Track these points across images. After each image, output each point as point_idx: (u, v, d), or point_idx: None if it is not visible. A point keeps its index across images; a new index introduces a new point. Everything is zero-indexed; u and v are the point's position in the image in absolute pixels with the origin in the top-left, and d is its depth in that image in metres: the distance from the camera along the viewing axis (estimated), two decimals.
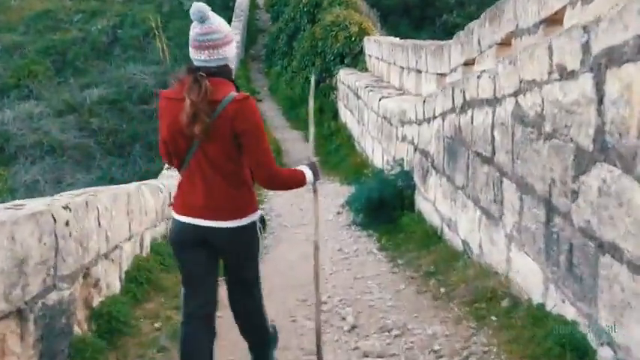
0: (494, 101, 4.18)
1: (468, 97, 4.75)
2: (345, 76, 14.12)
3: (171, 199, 2.95)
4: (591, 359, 2.88)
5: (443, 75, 8.16)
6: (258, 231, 2.90)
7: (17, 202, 3.14)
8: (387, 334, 3.97)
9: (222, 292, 3.07)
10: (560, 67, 3.14)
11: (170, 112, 2.70)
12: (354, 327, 4.16)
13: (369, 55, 14.06)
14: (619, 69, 2.52)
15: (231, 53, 2.76)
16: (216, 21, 2.72)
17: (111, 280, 4.06)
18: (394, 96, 9.90)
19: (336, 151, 12.57)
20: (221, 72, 2.73)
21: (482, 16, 6.19)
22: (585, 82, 2.86)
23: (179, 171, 2.88)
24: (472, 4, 21.56)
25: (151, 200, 5.63)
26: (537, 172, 3.49)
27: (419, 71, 9.60)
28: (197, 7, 2.66)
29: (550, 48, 3.25)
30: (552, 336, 3.09)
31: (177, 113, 2.64)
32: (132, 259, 4.70)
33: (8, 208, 2.84)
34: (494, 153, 4.21)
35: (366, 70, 14.32)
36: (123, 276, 4.42)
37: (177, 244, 2.87)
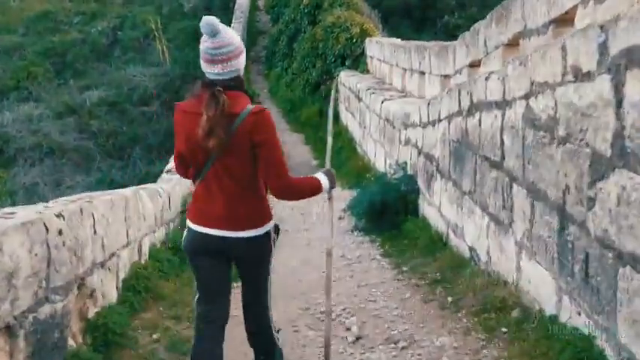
0: (503, 104, 4.04)
1: (475, 100, 4.62)
2: (346, 78, 13.99)
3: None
4: None
5: (447, 77, 8.02)
6: (272, 242, 2.95)
7: (8, 209, 3.00)
8: (393, 345, 3.84)
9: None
10: (574, 68, 3.01)
11: (187, 125, 2.77)
12: (358, 338, 4.03)
13: (371, 57, 13.92)
14: None
15: (242, 64, 2.83)
16: (227, 34, 2.76)
17: (107, 289, 3.92)
18: (397, 98, 9.76)
19: (337, 154, 12.38)
20: (236, 84, 2.79)
21: (488, 16, 6.06)
22: (602, 84, 2.73)
23: (194, 182, 2.93)
24: (473, 6, 21.48)
25: (150, 205, 5.50)
26: (550, 178, 3.35)
27: (422, 73, 9.46)
28: (207, 21, 2.70)
29: (564, 48, 3.12)
30: (568, 350, 2.96)
31: (194, 127, 2.70)
32: (129, 267, 4.56)
33: None
34: (503, 157, 4.08)
35: (368, 72, 14.19)
36: (120, 285, 4.29)
37: (193, 252, 2.92)
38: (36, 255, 2.74)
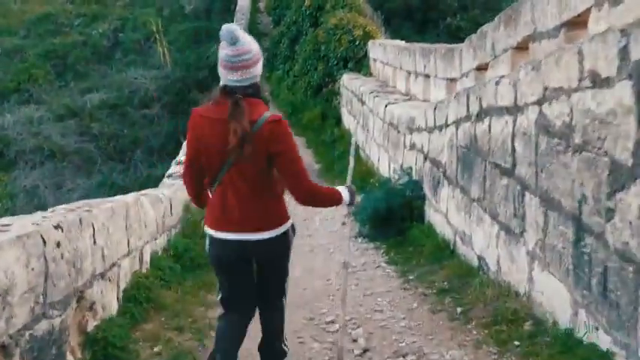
0: (514, 109, 3.93)
1: (484, 105, 4.50)
2: (348, 81, 13.85)
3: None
4: None
5: (453, 80, 7.90)
6: (290, 241, 3.01)
7: (3, 220, 2.89)
8: (401, 359, 3.71)
9: None
10: (592, 73, 2.90)
11: (206, 130, 2.79)
12: (365, 350, 3.91)
13: (374, 59, 13.78)
14: None
15: (260, 71, 2.86)
16: (247, 41, 2.80)
17: (107, 301, 3.81)
18: (401, 102, 9.63)
19: (340, 158, 12.23)
20: (254, 91, 2.83)
21: (496, 18, 5.94)
22: (623, 91, 2.62)
23: (209, 189, 2.96)
24: (476, 8, 21.37)
25: (152, 212, 5.38)
26: (565, 187, 3.24)
27: (427, 76, 9.32)
28: (227, 29, 2.74)
29: (580, 53, 3.01)
30: None
31: (216, 133, 2.75)
32: (130, 277, 4.44)
33: None
34: (514, 165, 3.96)
35: (370, 74, 14.05)
36: (121, 295, 4.17)
37: (216, 258, 2.98)
38: (32, 269, 2.62)
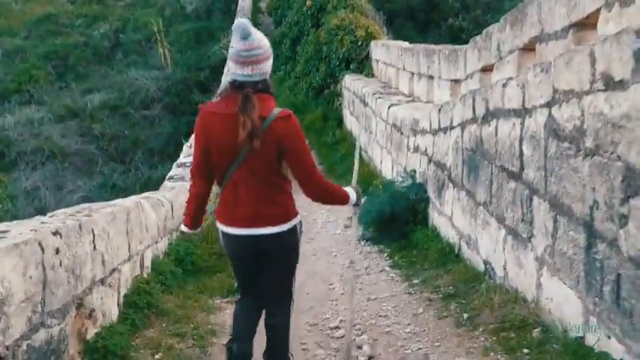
0: (522, 112, 3.85)
1: (491, 107, 4.43)
2: (350, 82, 13.75)
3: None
4: None
5: (457, 81, 7.80)
6: (298, 237, 3.07)
7: (1, 226, 2.81)
8: None
9: None
10: (605, 76, 2.82)
11: (216, 126, 2.80)
12: (370, 358, 3.85)
13: (377, 60, 13.68)
14: None
15: (270, 67, 2.92)
16: (258, 37, 2.85)
17: (107, 307, 3.73)
18: (404, 103, 9.52)
19: (342, 160, 12.13)
20: (263, 87, 2.87)
21: (502, 19, 5.85)
22: (638, 94, 2.55)
23: (219, 185, 2.98)
24: (478, 8, 21.29)
25: (152, 215, 5.30)
26: (575, 192, 3.16)
27: (431, 77, 9.23)
28: (240, 24, 2.79)
29: (592, 55, 2.93)
30: None
31: (227, 128, 2.76)
32: (131, 282, 4.37)
33: None
34: (522, 168, 3.88)
35: (373, 75, 13.94)
36: (121, 301, 4.09)
37: (232, 253, 3.10)
38: (30, 278, 2.55)
